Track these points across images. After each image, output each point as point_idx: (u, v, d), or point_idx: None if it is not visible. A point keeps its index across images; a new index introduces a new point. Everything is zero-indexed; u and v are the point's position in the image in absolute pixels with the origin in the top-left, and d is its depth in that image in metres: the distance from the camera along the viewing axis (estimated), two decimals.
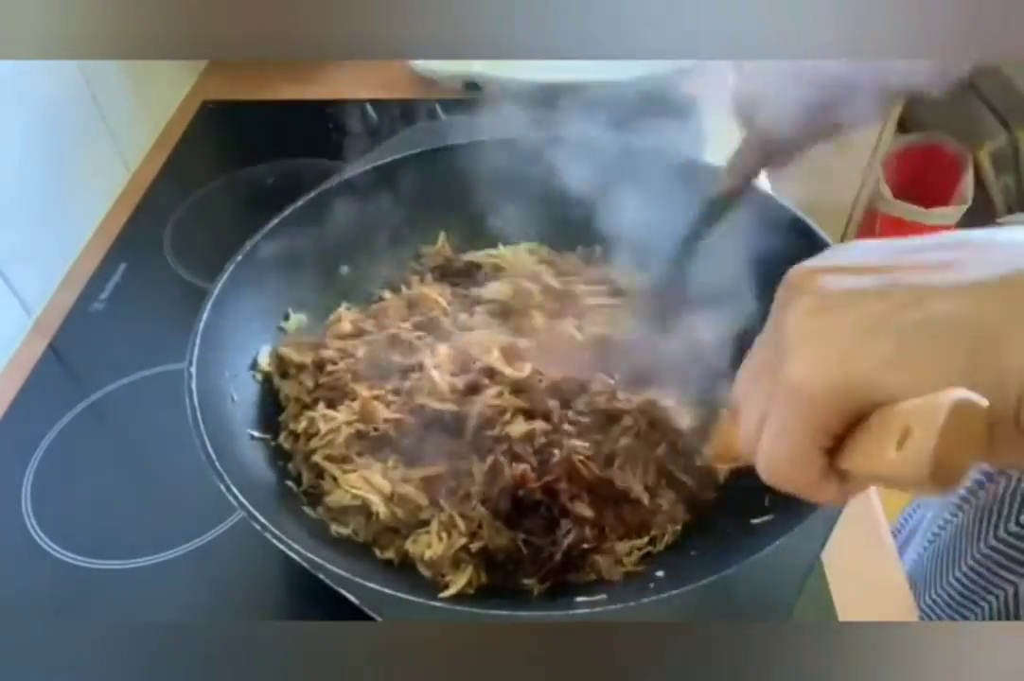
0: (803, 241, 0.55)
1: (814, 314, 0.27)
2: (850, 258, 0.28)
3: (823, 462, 0.27)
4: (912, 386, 0.24)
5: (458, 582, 0.46)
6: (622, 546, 0.49)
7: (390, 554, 0.49)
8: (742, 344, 0.59)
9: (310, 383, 0.56)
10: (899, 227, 1.64)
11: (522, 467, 0.48)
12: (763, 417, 0.28)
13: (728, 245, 0.60)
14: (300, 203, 0.59)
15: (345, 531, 0.50)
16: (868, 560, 0.53)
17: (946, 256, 0.26)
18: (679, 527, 0.50)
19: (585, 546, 0.47)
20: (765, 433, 0.28)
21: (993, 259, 0.25)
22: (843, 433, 0.26)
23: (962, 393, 0.22)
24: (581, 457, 0.49)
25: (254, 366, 0.57)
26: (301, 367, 0.57)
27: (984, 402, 0.22)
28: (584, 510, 0.48)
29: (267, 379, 0.57)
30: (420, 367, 0.54)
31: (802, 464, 0.27)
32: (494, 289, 0.61)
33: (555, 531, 0.47)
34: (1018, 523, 0.58)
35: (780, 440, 0.27)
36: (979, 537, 0.61)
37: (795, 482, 0.28)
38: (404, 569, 0.49)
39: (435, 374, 0.53)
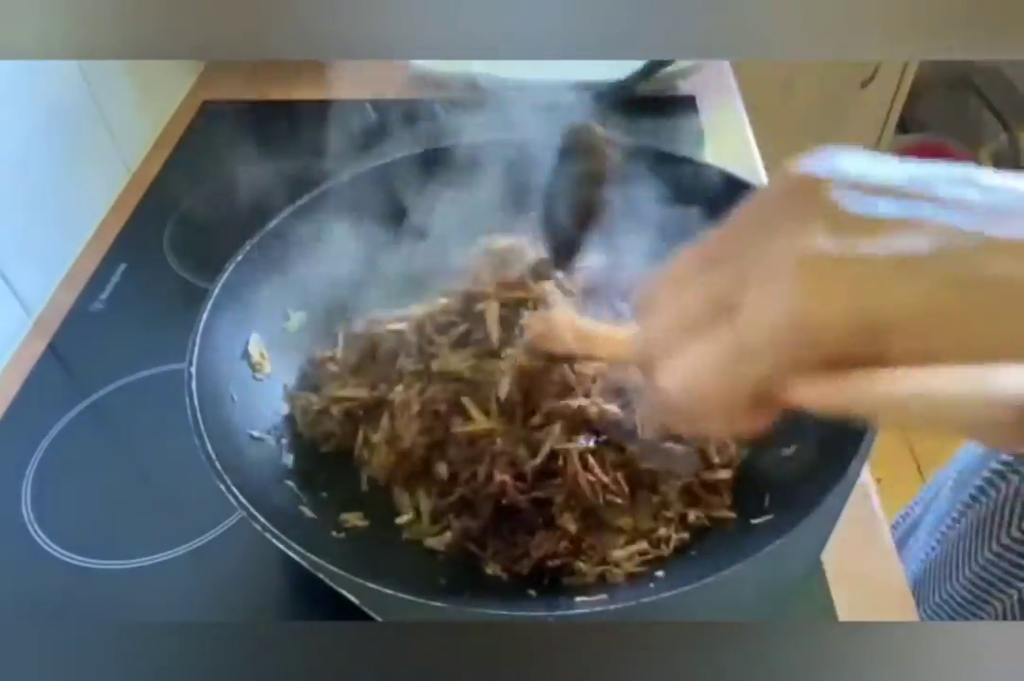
0: None
1: (832, 237, 0.22)
2: (863, 172, 0.23)
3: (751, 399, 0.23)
4: (941, 352, 0.21)
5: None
6: (621, 552, 0.48)
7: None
8: None
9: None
10: None
11: (502, 478, 0.47)
12: (694, 329, 0.24)
13: None
14: (300, 203, 0.59)
15: None
16: (868, 560, 0.53)
17: (971, 196, 0.22)
18: (686, 535, 0.49)
19: (550, 564, 0.47)
20: (703, 352, 0.24)
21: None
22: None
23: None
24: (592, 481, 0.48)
25: (244, 356, 0.57)
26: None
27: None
28: (569, 524, 0.47)
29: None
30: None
31: (733, 399, 0.23)
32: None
33: (531, 535, 0.47)
34: (1020, 529, 0.58)
35: (732, 365, 0.23)
36: (985, 541, 0.61)
37: (715, 411, 0.24)
38: (403, 568, 0.49)
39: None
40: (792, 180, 0.24)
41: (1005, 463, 0.53)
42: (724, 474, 0.50)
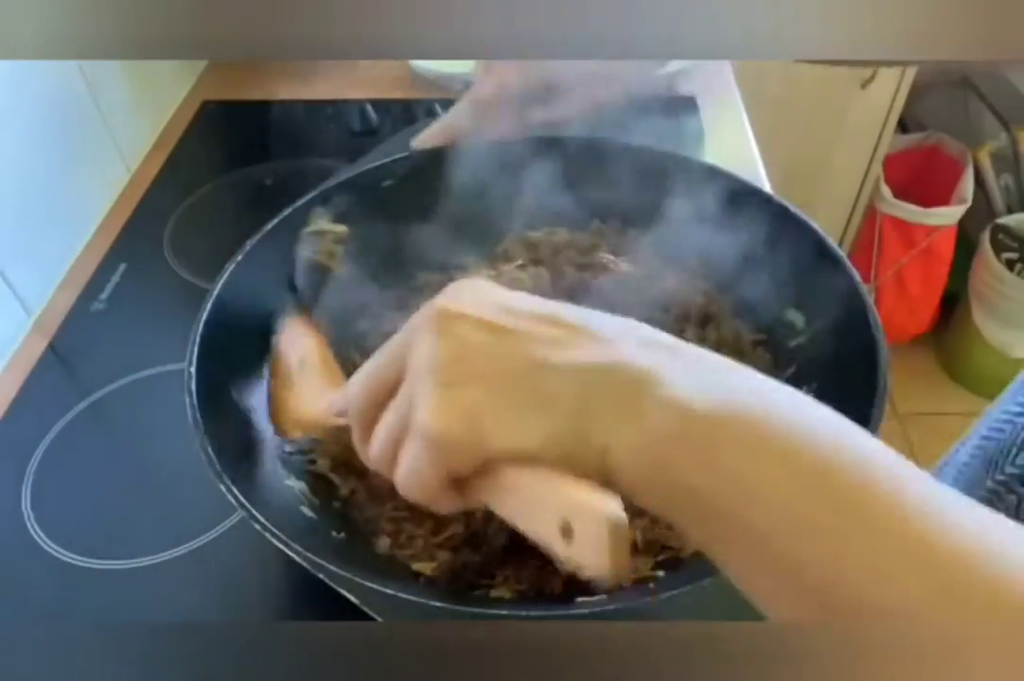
0: (803, 241, 0.55)
1: (453, 363, 0.30)
2: (487, 310, 0.31)
3: (448, 488, 0.31)
4: (523, 447, 0.29)
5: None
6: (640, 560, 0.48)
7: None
8: (740, 345, 0.59)
9: None
10: (899, 227, 1.64)
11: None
12: (397, 441, 0.32)
13: (727, 245, 0.60)
14: (300, 203, 0.59)
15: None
16: None
17: (558, 333, 0.30)
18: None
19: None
20: (402, 462, 0.31)
21: (592, 348, 0.29)
22: (470, 472, 0.31)
23: (615, 512, 0.27)
24: None
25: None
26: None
27: (625, 521, 0.27)
28: None
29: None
30: None
31: (430, 492, 0.32)
32: None
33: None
34: None
35: (414, 473, 0.31)
36: None
37: (422, 500, 0.32)
38: (403, 567, 0.49)
39: None
40: (436, 311, 0.31)
41: (1000, 482, 0.53)
42: None
